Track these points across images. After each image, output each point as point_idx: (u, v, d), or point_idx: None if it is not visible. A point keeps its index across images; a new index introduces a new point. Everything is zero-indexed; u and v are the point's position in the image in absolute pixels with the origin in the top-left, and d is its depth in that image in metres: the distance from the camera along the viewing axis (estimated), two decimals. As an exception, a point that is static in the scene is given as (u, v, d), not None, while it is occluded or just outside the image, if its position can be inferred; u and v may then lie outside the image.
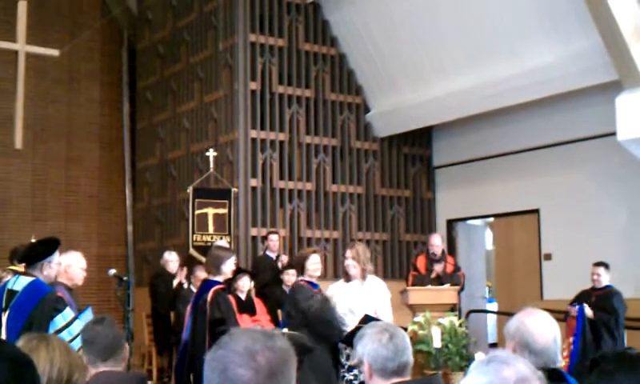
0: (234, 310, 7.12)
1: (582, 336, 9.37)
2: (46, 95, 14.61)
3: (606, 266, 9.68)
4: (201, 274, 10.32)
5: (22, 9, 12.44)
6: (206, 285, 6.95)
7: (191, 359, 6.69)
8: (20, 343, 2.45)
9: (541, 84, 10.88)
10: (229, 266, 6.97)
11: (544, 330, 3.36)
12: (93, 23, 14.94)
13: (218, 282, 6.90)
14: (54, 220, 14.33)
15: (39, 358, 2.37)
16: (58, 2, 14.88)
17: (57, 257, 5.70)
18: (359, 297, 6.84)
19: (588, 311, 9.41)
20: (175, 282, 10.58)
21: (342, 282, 7.13)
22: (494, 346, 13.49)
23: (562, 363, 3.40)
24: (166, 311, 10.66)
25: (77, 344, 5.06)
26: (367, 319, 5.20)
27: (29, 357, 1.83)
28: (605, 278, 9.63)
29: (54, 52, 13.14)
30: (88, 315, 5.79)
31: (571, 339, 9.37)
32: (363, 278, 6.96)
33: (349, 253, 7.02)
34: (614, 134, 9.99)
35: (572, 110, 11.50)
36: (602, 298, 9.50)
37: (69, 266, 6.09)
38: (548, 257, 12.02)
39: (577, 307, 9.48)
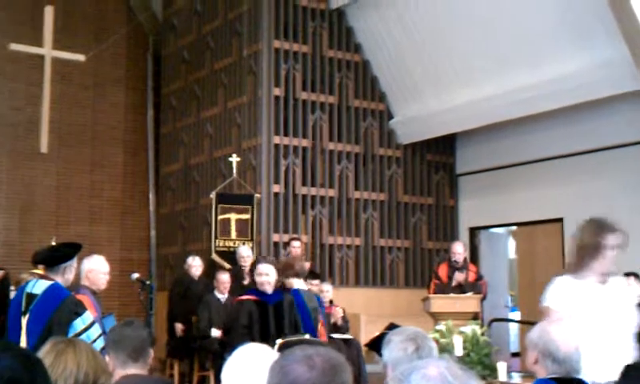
0: None
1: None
2: (71, 100, 14.72)
3: (636, 275, 9.64)
4: (223, 276, 10.34)
5: (49, 15, 12.61)
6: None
7: None
8: (47, 347, 2.47)
9: (566, 92, 10.81)
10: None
11: (567, 338, 3.35)
12: (118, 29, 15.06)
13: None
14: (77, 224, 14.43)
15: (67, 361, 2.39)
16: (83, 8, 15.00)
17: (75, 262, 5.73)
18: (605, 302, 4.57)
19: None
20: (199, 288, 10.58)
21: (569, 278, 4.66)
22: (516, 355, 13.42)
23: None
24: (183, 316, 10.65)
25: (97, 347, 5.10)
26: (392, 327, 5.07)
27: (37, 357, 1.85)
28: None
29: (80, 57, 13.31)
30: (110, 322, 5.81)
31: None
32: (606, 277, 4.63)
33: (613, 238, 4.56)
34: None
35: (598, 118, 11.41)
36: None
37: (90, 271, 6.05)
38: (571, 266, 11.91)
39: None
